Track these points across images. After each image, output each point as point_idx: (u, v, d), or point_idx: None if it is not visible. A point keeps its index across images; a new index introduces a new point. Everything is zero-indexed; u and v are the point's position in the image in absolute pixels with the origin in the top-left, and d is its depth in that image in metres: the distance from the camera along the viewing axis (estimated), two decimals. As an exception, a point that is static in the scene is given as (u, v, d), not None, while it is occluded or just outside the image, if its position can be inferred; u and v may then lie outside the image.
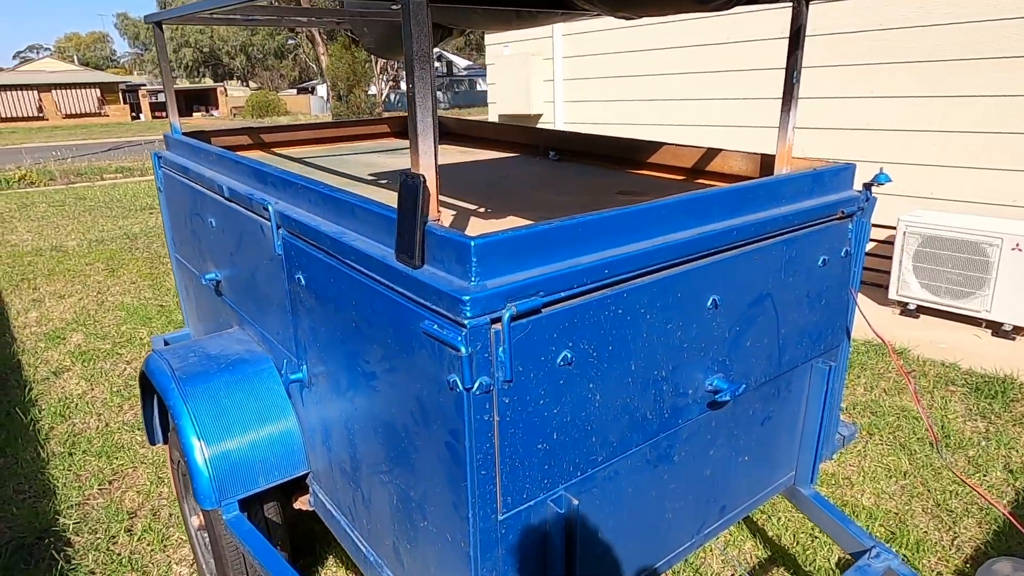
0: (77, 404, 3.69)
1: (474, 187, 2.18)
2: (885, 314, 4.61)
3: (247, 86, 60.51)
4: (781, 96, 1.88)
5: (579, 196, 2.03)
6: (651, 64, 6.35)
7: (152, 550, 2.56)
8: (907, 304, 4.52)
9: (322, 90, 41.97)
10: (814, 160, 1.92)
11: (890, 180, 1.81)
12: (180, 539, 2.61)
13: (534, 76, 7.31)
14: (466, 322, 1.09)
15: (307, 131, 3.35)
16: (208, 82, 54.71)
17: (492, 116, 7.97)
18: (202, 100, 46.08)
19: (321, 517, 1.96)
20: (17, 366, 4.20)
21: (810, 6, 1.80)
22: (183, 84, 52.01)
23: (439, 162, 1.23)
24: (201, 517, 2.20)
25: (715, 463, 1.70)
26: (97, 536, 2.63)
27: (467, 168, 2.58)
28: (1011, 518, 2.49)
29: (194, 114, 43.30)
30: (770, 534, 2.55)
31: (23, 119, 35.22)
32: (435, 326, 1.15)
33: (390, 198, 1.98)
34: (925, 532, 2.54)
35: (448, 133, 3.48)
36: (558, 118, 7.29)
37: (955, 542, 2.49)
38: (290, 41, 55.64)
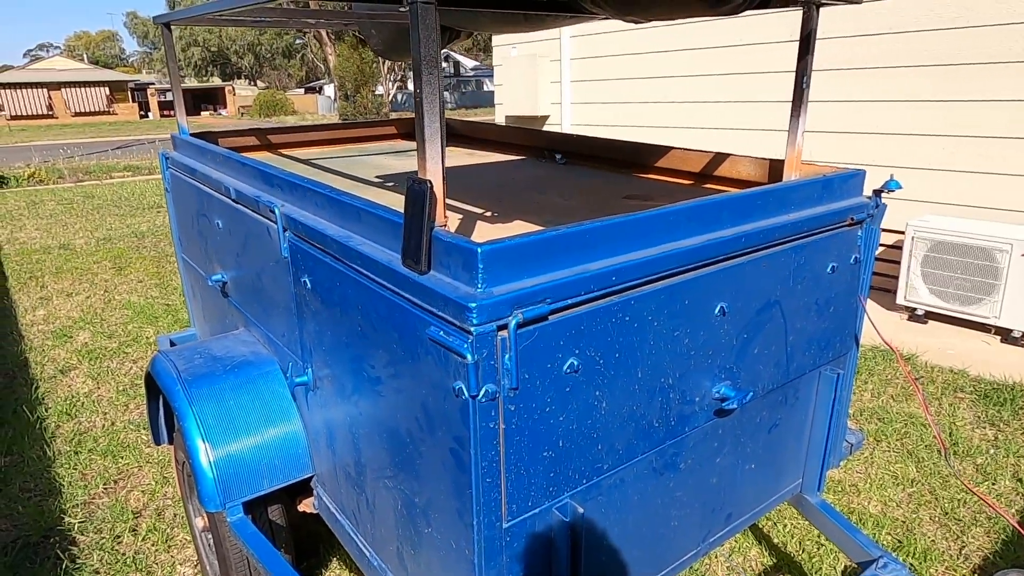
0: (83, 403, 3.70)
1: (480, 190, 2.18)
2: (893, 319, 4.58)
3: (255, 85, 60.74)
4: (789, 99, 1.86)
5: (586, 200, 2.02)
6: (659, 66, 6.33)
7: (156, 550, 2.56)
8: (915, 309, 4.49)
9: (329, 90, 42.10)
10: (823, 166, 1.90)
11: (900, 187, 1.79)
12: (184, 540, 2.61)
13: (541, 78, 7.30)
14: (472, 329, 1.08)
15: (314, 132, 3.35)
16: (216, 81, 54.92)
17: (499, 117, 7.97)
18: (210, 99, 46.25)
19: (325, 520, 1.96)
20: (24, 364, 4.21)
21: (820, 11, 1.79)
22: (191, 83, 52.23)
23: (446, 165, 1.22)
24: (205, 518, 2.20)
25: (721, 471, 1.68)
26: (102, 535, 2.64)
27: (473, 171, 2.57)
28: (1019, 528, 2.46)
29: (202, 113, 43.46)
30: (776, 541, 2.53)
31: (33, 117, 35.46)
32: (441, 332, 1.15)
33: (397, 201, 1.97)
34: (932, 541, 2.52)
35: (454, 135, 3.47)
36: (565, 120, 7.28)
37: (963, 551, 2.46)
38: (298, 41, 55.82)
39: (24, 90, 35.55)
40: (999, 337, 4.20)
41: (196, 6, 2.19)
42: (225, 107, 45.50)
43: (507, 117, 7.79)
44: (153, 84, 44.15)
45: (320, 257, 1.55)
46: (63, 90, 36.63)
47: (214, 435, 1.82)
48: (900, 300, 4.51)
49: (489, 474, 1.18)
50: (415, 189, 1.20)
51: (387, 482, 1.49)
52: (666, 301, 1.37)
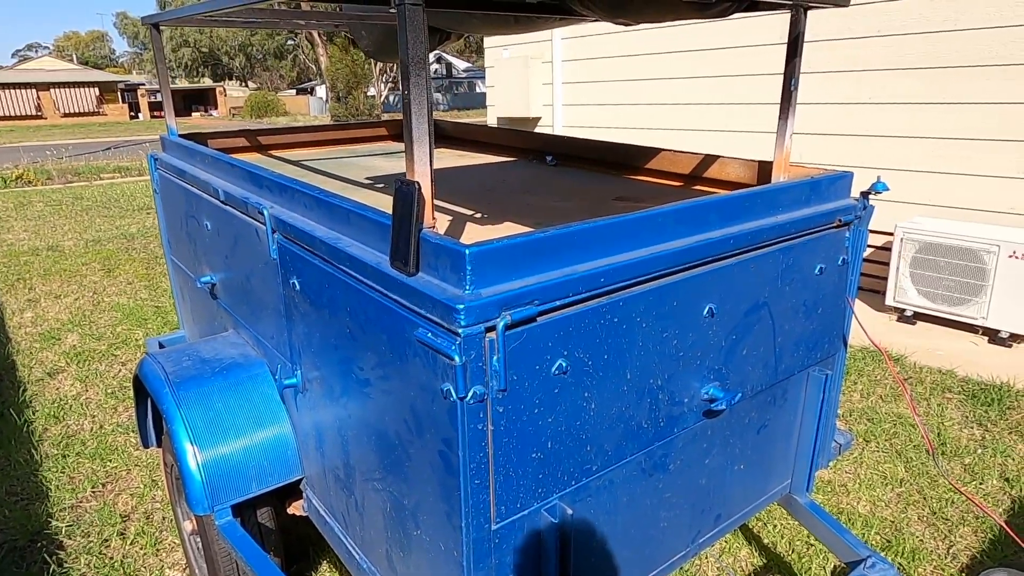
0: (71, 405, 3.67)
1: (470, 192, 2.18)
2: (882, 320, 4.61)
3: (246, 86, 60.51)
4: (778, 101, 1.87)
5: (576, 202, 2.02)
6: (650, 68, 6.35)
7: (145, 554, 2.54)
8: (904, 310, 4.52)
9: (321, 91, 41.98)
10: (812, 167, 1.91)
11: (887, 189, 1.81)
12: (173, 543, 2.60)
13: (533, 79, 7.31)
14: (460, 331, 1.08)
15: (305, 134, 3.34)
16: (207, 82, 54.70)
17: (491, 119, 7.97)
18: (201, 100, 46.05)
19: (314, 523, 1.95)
20: (11, 366, 4.18)
21: (808, 14, 1.80)
22: (182, 84, 51.98)
23: (435, 166, 1.22)
24: (194, 522, 2.19)
25: (711, 472, 1.69)
26: (90, 539, 2.62)
27: (463, 172, 2.57)
28: (1006, 527, 2.48)
29: (193, 114, 43.28)
30: (765, 542, 2.54)
31: (21, 118, 35.19)
32: (429, 334, 1.14)
33: (387, 203, 1.97)
34: (921, 540, 2.53)
35: (445, 136, 3.47)
36: (557, 122, 7.29)
37: (951, 551, 2.48)
38: (289, 42, 55.64)
39: (12, 90, 35.27)
40: (986, 338, 4.24)
41: (186, 7, 2.18)
42: (216, 108, 45.31)
43: (499, 119, 7.80)
44: (143, 85, 43.89)
45: (309, 259, 1.55)
46: (52, 90, 36.38)
47: (202, 438, 1.81)
48: (889, 301, 4.54)
49: (477, 476, 1.18)
50: (403, 191, 1.20)
51: (376, 484, 1.49)
52: (655, 302, 1.37)
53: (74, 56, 59.98)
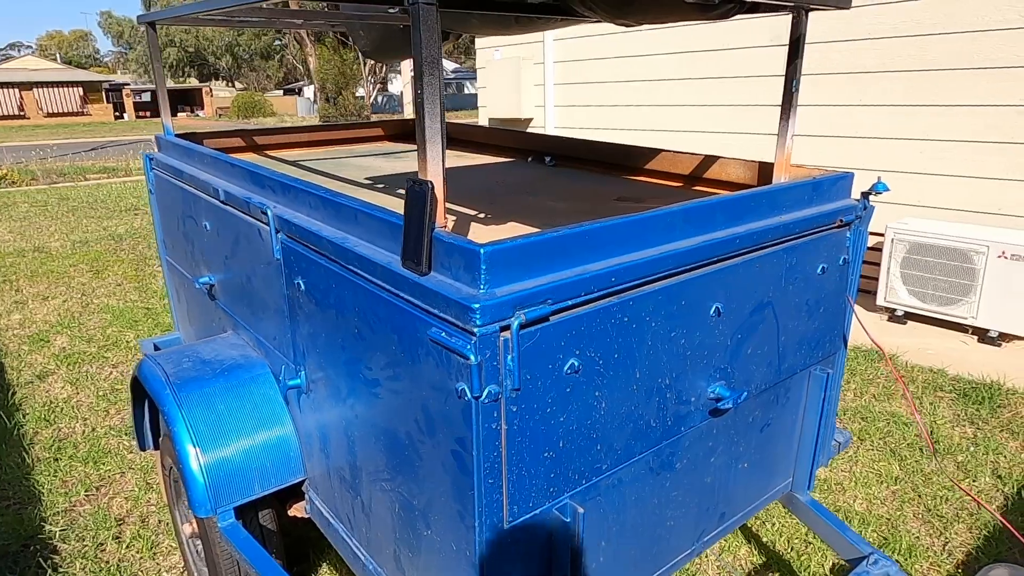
0: (62, 408, 3.62)
1: (472, 192, 2.17)
2: (873, 320, 4.66)
3: (233, 86, 60.10)
4: (773, 103, 1.89)
5: (577, 202, 2.03)
6: (642, 70, 6.38)
7: (141, 558, 2.52)
8: (895, 310, 4.57)
9: (309, 91, 41.79)
10: (812, 168, 1.93)
11: (888, 189, 1.82)
12: (170, 547, 2.57)
13: (525, 80, 7.31)
14: (476, 330, 1.08)
15: (300, 134, 3.33)
16: (193, 82, 54.23)
17: (482, 120, 7.97)
18: (187, 100, 45.67)
19: (317, 524, 1.94)
20: (0, 369, 4.12)
21: (809, 15, 1.82)
22: (168, 84, 51.47)
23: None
24: (194, 524, 2.17)
25: (715, 470, 1.70)
26: (84, 543, 2.59)
27: (464, 173, 2.57)
28: (1005, 523, 2.51)
29: (179, 114, 42.90)
30: (764, 540, 2.55)
31: (3, 118, 34.75)
32: (443, 334, 1.14)
33: (388, 202, 1.97)
34: (917, 537, 2.56)
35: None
36: (548, 122, 7.30)
37: (946, 547, 2.51)
38: (277, 42, 55.33)
39: (-6, 90, 34.85)
40: (976, 337, 4.29)
41: (182, 6, 2.16)
42: (203, 108, 44.97)
43: (490, 120, 7.79)
44: (128, 85, 43.49)
45: (314, 259, 1.54)
46: (35, 90, 35.96)
47: (204, 439, 1.79)
48: (880, 301, 4.59)
49: (491, 475, 1.18)
50: (416, 190, 1.19)
51: (384, 484, 1.48)
52: (663, 302, 1.38)
53: (58, 55, 59.33)
